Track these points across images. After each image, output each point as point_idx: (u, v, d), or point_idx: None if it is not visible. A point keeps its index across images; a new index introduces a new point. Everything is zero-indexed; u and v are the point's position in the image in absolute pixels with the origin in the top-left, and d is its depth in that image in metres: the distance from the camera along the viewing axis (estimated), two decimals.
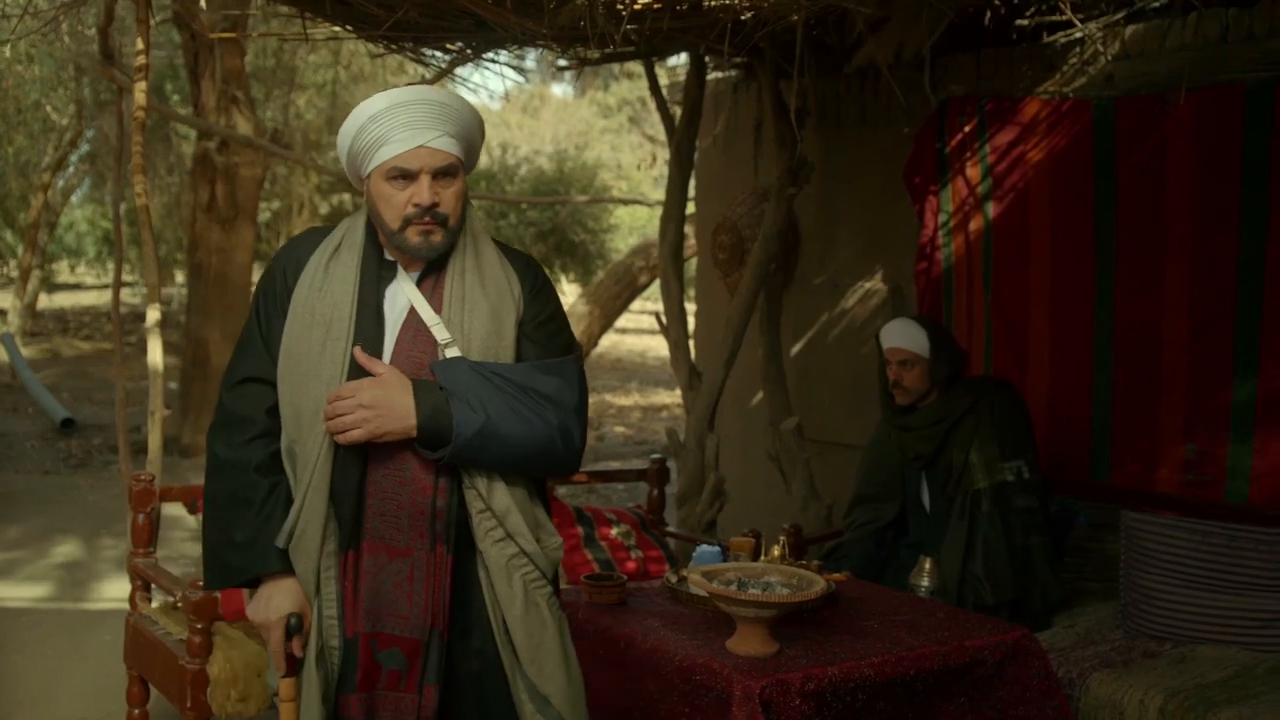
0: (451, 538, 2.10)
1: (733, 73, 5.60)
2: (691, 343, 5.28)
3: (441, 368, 2.09)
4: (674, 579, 3.14)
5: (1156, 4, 4.05)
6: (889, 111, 4.90)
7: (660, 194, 7.36)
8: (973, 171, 4.53)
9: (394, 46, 4.66)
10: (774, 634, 2.62)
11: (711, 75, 5.52)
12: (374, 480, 2.10)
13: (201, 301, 9.37)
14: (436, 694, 2.10)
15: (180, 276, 18.13)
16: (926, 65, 4.38)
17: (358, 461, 2.09)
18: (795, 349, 5.43)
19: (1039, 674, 2.81)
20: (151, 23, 4.38)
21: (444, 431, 2.04)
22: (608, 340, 17.23)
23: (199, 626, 3.04)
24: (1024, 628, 2.87)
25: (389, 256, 2.18)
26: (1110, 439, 4.13)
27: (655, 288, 12.69)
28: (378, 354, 2.12)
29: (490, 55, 4.79)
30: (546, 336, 2.21)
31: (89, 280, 25.21)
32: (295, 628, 2.10)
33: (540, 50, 5.16)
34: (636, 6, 3.51)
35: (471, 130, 2.15)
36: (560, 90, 24.50)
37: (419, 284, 2.17)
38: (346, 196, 17.35)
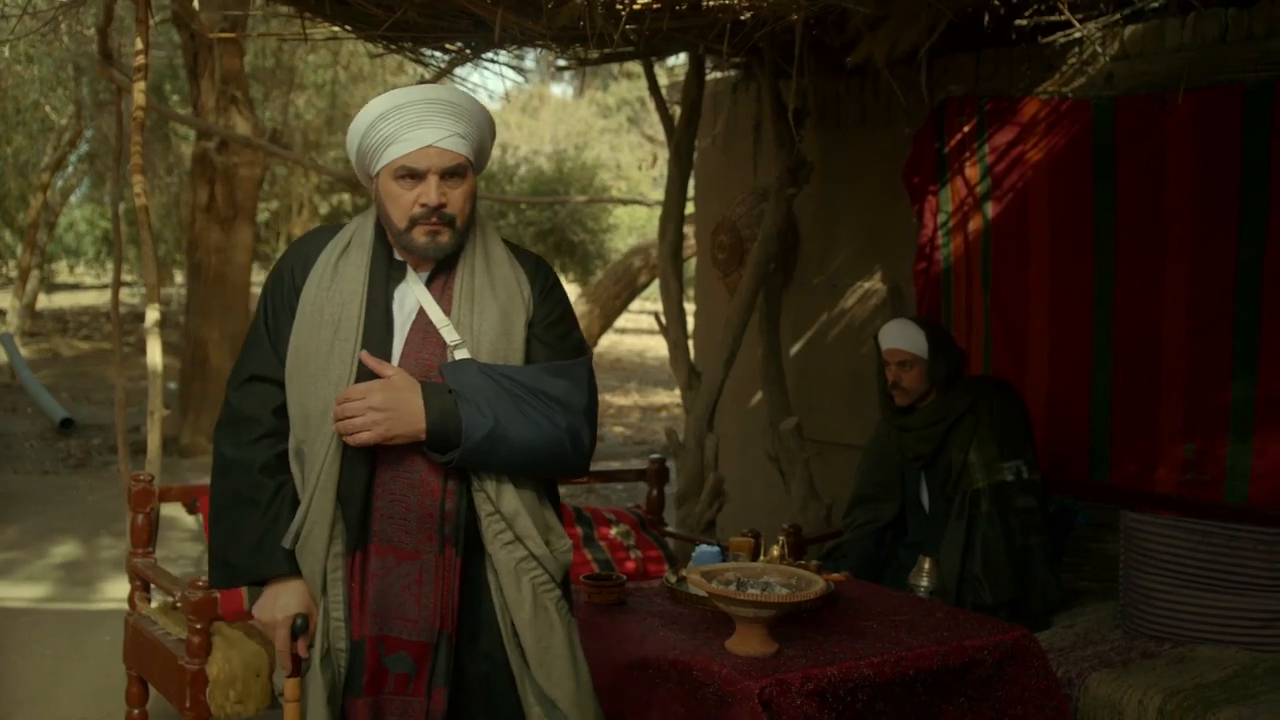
0: (460, 540, 2.09)
1: (732, 73, 5.60)
2: (691, 343, 5.28)
3: (451, 370, 2.07)
4: (673, 579, 3.14)
5: (1155, 4, 4.05)
6: (888, 111, 4.90)
7: (659, 194, 7.36)
8: (972, 171, 4.54)
9: (393, 46, 4.66)
10: (773, 634, 2.62)
11: (711, 75, 5.52)
12: (382, 482, 2.09)
13: (200, 301, 9.37)
14: (445, 698, 2.08)
15: (179, 276, 18.14)
16: (923, 65, 4.38)
17: (365, 463, 2.08)
18: (794, 349, 5.43)
19: (1038, 674, 2.82)
20: (150, 23, 4.37)
21: (453, 434, 2.02)
22: (607, 340, 17.24)
23: (198, 627, 3.04)
24: (1023, 628, 2.88)
25: (398, 256, 2.17)
26: (1109, 439, 4.13)
27: (654, 288, 12.70)
28: (386, 355, 2.11)
29: (489, 55, 4.79)
30: (556, 338, 2.20)
31: (88, 280, 25.20)
32: (301, 628, 2.10)
33: (539, 50, 5.16)
34: (635, 6, 3.50)
35: (481, 130, 2.14)
36: (559, 90, 24.51)
37: (428, 284, 2.15)
38: (346, 196, 17.35)
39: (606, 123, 22.38)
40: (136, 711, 3.47)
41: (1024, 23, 4.24)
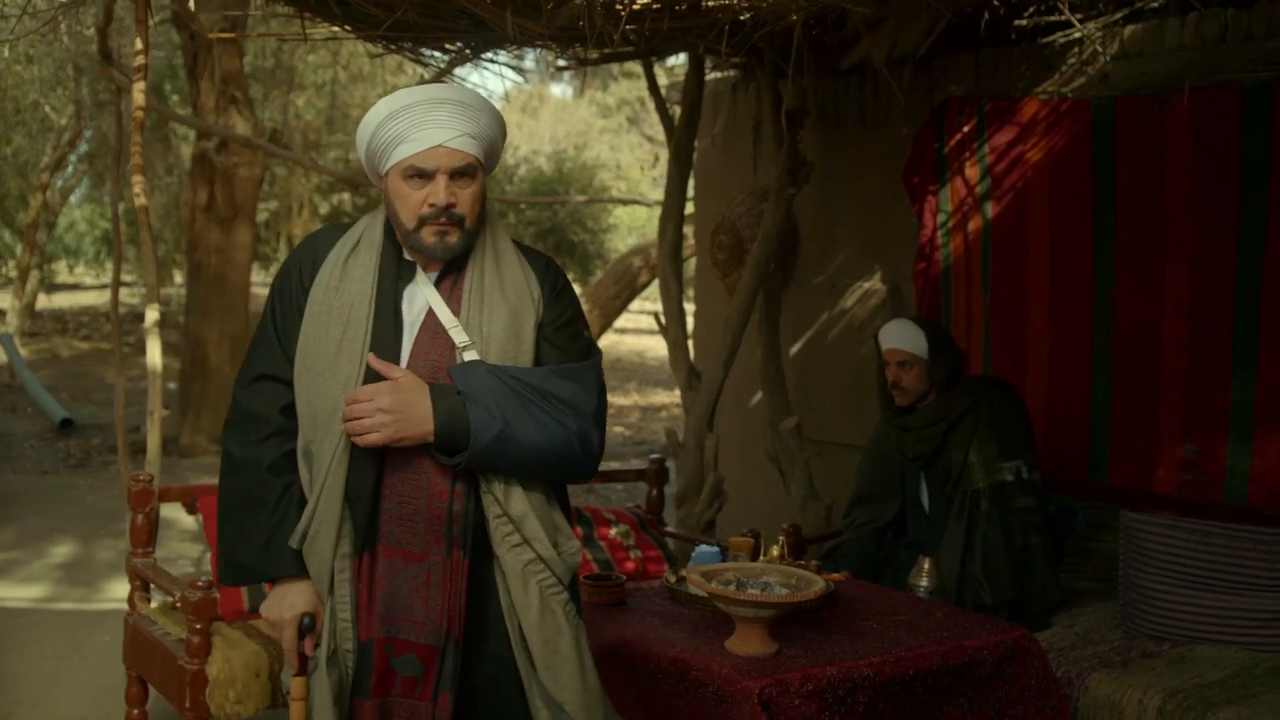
0: (468, 543, 2.09)
1: (731, 73, 5.60)
2: (690, 343, 5.28)
3: (459, 371, 2.06)
4: (673, 579, 3.14)
5: (1155, 4, 4.06)
6: (888, 112, 4.90)
7: (659, 194, 7.37)
8: (971, 171, 4.54)
9: (393, 47, 4.67)
10: (773, 634, 2.62)
11: (710, 75, 5.52)
12: (390, 484, 2.09)
13: (200, 302, 9.36)
14: (451, 701, 2.08)
15: (179, 277, 18.14)
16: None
17: (373, 464, 2.07)
18: (794, 349, 5.43)
19: (1038, 674, 2.82)
20: (150, 23, 4.38)
21: (461, 437, 2.02)
22: (607, 340, 17.23)
23: (198, 627, 3.04)
24: (1023, 628, 2.88)
25: (407, 256, 2.16)
26: (1109, 439, 4.13)
27: (654, 288, 12.70)
28: (395, 356, 2.10)
29: (489, 55, 4.79)
30: (566, 340, 2.19)
31: (88, 280, 25.19)
32: (308, 627, 2.11)
33: (539, 50, 5.16)
34: (635, 6, 3.51)
35: (492, 131, 2.13)
36: (559, 90, 24.49)
37: (437, 285, 2.15)
38: (346, 196, 17.36)
39: (606, 123, 22.36)
40: (136, 711, 3.47)
41: (1024, 23, 4.24)
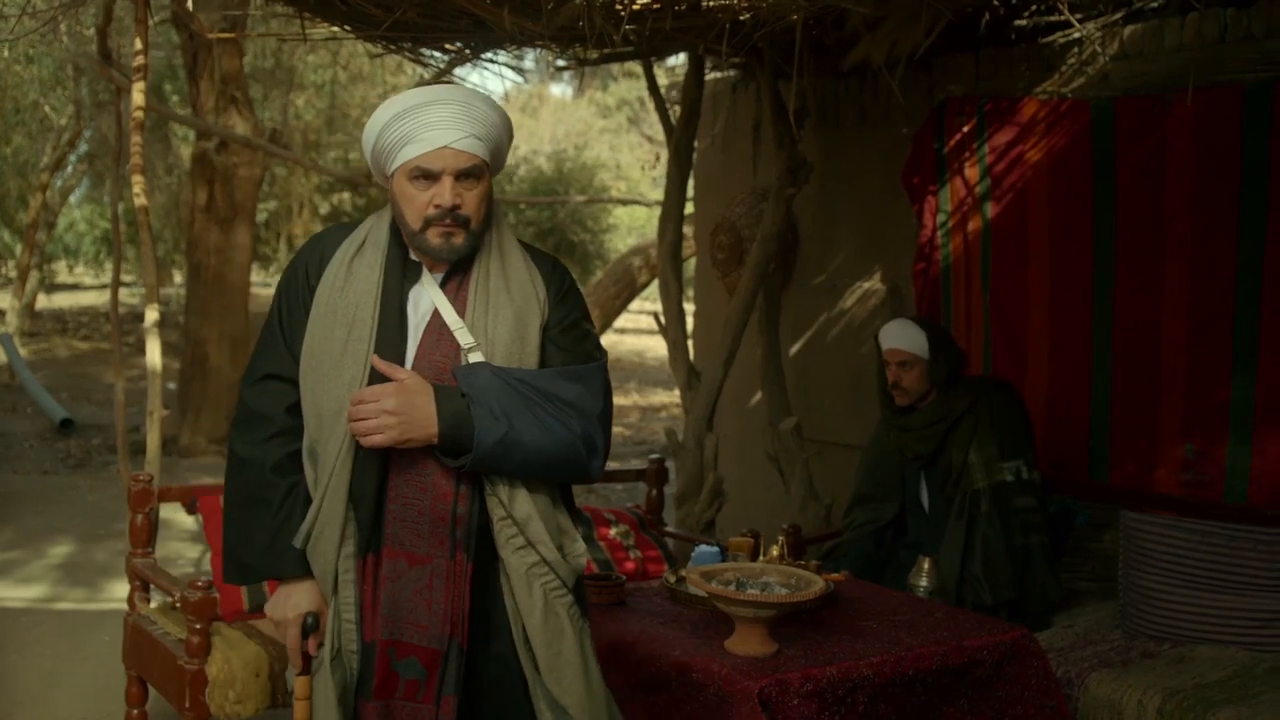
0: (471, 545, 2.08)
1: (731, 73, 5.60)
2: (690, 343, 5.28)
3: (464, 373, 2.06)
4: (672, 579, 3.14)
5: (1155, 4, 4.06)
6: (888, 112, 4.90)
7: (659, 194, 7.37)
8: (971, 172, 4.54)
9: (392, 47, 4.67)
10: (773, 634, 2.62)
11: (710, 75, 5.52)
12: (395, 485, 2.08)
13: (200, 302, 9.36)
14: (454, 705, 2.07)
15: (178, 277, 18.15)
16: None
17: (377, 465, 2.07)
18: (794, 349, 5.43)
19: (1038, 674, 2.82)
20: (150, 23, 4.38)
21: (465, 439, 2.01)
22: (607, 340, 17.22)
23: (197, 627, 3.04)
24: (1023, 628, 2.88)
25: (413, 257, 2.16)
26: (1109, 439, 4.13)
27: (654, 288, 12.71)
28: (400, 356, 2.10)
29: (489, 55, 4.79)
30: (571, 342, 2.18)
31: (87, 280, 25.19)
32: (312, 626, 2.11)
33: (539, 50, 5.16)
34: (635, 7, 3.51)
35: (498, 132, 2.12)
36: (559, 90, 24.50)
37: (443, 285, 2.14)
38: (346, 196, 17.36)
39: (606, 123, 22.37)
40: (136, 711, 3.47)
41: (1023, 23, 4.24)
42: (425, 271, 2.15)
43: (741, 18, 3.70)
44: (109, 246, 16.93)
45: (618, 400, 13.17)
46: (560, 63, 5.18)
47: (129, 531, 3.53)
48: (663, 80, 6.43)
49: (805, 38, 4.12)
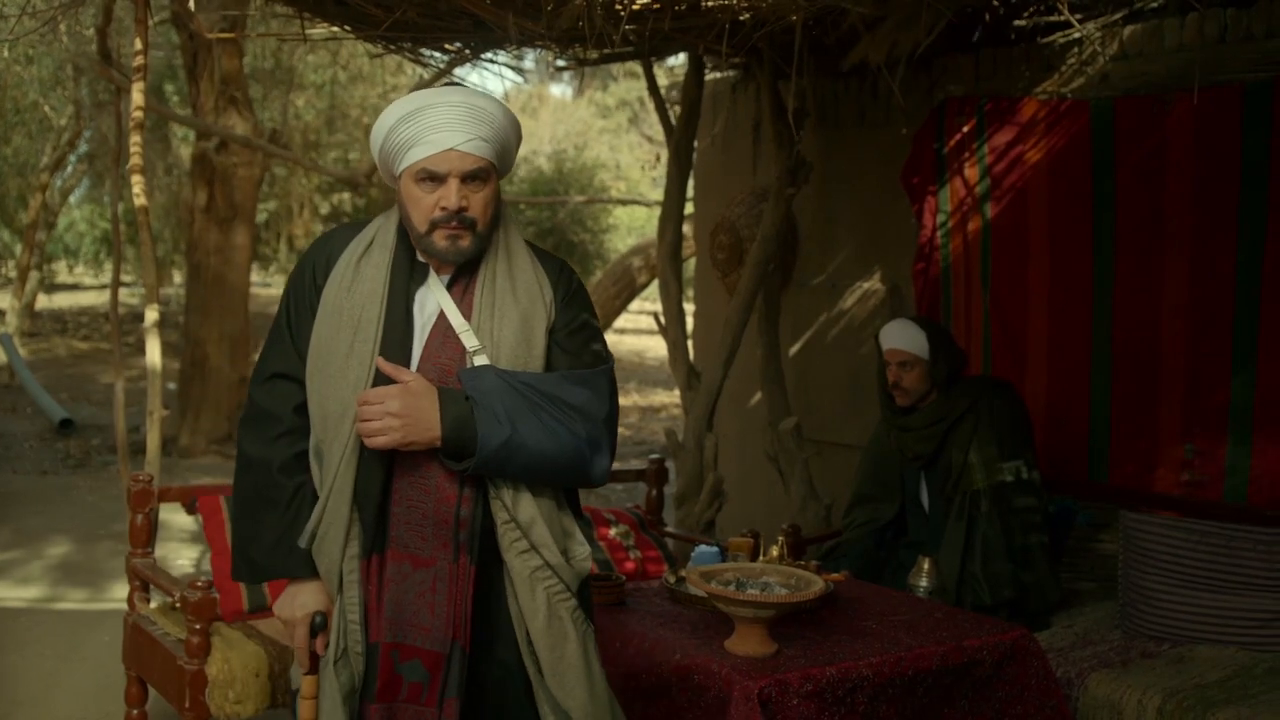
0: (475, 548, 2.07)
1: (731, 73, 5.61)
2: (690, 343, 5.28)
3: (469, 376, 2.05)
4: (672, 579, 3.14)
5: (1155, 4, 4.06)
6: (887, 112, 4.90)
7: (659, 194, 7.37)
8: (971, 172, 4.54)
9: (392, 47, 4.67)
10: (772, 634, 2.62)
11: (710, 75, 5.52)
12: (399, 488, 2.08)
13: (200, 302, 9.37)
14: (457, 708, 2.07)
15: (178, 277, 18.16)
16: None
17: (382, 466, 2.07)
18: (794, 349, 5.43)
19: (1038, 674, 2.82)
20: (150, 23, 4.38)
21: (468, 442, 2.00)
22: (606, 340, 17.23)
23: (197, 627, 3.04)
24: (1023, 628, 2.88)
25: (420, 258, 2.15)
26: (1109, 439, 4.13)
27: (654, 288, 12.71)
28: (405, 358, 2.09)
29: (489, 55, 4.79)
30: (578, 345, 2.17)
31: (87, 280, 25.21)
32: (319, 626, 2.11)
33: (539, 50, 5.16)
34: (635, 7, 3.51)
35: (505, 134, 2.11)
36: (559, 90, 24.51)
37: (449, 288, 2.13)
38: (346, 196, 17.36)
39: (606, 123, 22.38)
40: (135, 712, 3.47)
41: (1023, 23, 4.24)
42: (432, 273, 2.14)
43: (741, 18, 3.70)
44: (109, 246, 16.94)
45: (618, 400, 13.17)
46: (560, 63, 5.18)
47: (129, 531, 3.53)
48: (663, 80, 6.44)
49: (805, 38, 4.12)
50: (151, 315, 4.38)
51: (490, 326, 2.10)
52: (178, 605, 3.25)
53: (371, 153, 2.17)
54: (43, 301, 18.73)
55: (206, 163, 9.20)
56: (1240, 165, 3.77)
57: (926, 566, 3.31)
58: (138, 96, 4.35)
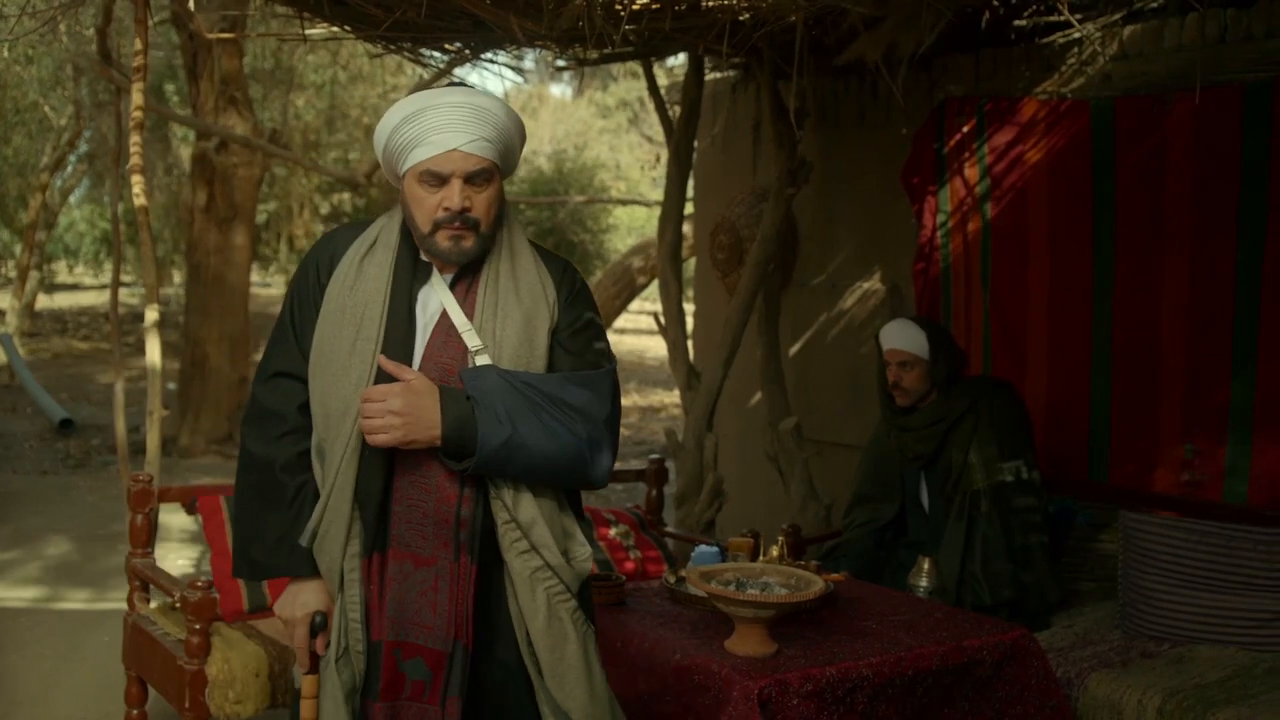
0: (475, 548, 2.07)
1: (731, 73, 5.60)
2: (690, 343, 5.28)
3: (470, 375, 2.05)
4: (672, 579, 3.14)
5: (1155, 4, 4.06)
6: (887, 112, 4.90)
7: (658, 194, 7.37)
8: (971, 172, 4.54)
9: (392, 47, 4.67)
10: (772, 634, 2.62)
11: (710, 75, 5.52)
12: (400, 487, 2.08)
13: (199, 302, 9.37)
14: (459, 707, 2.06)
15: (178, 277, 18.15)
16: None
17: (383, 465, 2.07)
18: (794, 349, 5.43)
19: (1038, 674, 2.82)
20: (150, 23, 4.38)
21: (469, 442, 2.00)
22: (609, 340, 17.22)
23: (197, 627, 3.04)
24: (1023, 628, 2.88)
25: (423, 258, 2.15)
26: (1109, 439, 4.13)
27: (654, 288, 12.71)
28: (407, 357, 2.09)
29: (489, 55, 4.79)
30: (580, 346, 2.17)
31: (87, 280, 25.21)
32: (320, 625, 2.11)
33: (539, 50, 5.16)
34: (635, 7, 3.51)
35: (509, 134, 2.11)
36: (559, 90, 24.51)
37: (452, 287, 2.13)
38: (346, 196, 17.36)
39: (606, 123, 22.38)
40: (135, 712, 3.47)
41: (1023, 23, 4.24)
42: (435, 272, 2.14)
43: (741, 18, 3.70)
44: (109, 246, 16.94)
45: None
46: (560, 63, 5.18)
47: (129, 532, 3.53)
48: (663, 80, 6.43)
49: (805, 38, 4.12)
50: (151, 315, 4.38)
51: (493, 326, 2.10)
52: (178, 605, 3.25)
53: (375, 152, 2.17)
54: (43, 301, 18.74)
55: (206, 163, 9.20)
56: (1240, 165, 3.77)
57: (926, 566, 3.31)
58: (138, 96, 4.35)
